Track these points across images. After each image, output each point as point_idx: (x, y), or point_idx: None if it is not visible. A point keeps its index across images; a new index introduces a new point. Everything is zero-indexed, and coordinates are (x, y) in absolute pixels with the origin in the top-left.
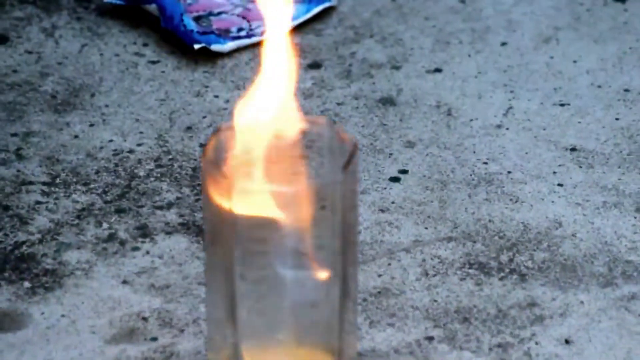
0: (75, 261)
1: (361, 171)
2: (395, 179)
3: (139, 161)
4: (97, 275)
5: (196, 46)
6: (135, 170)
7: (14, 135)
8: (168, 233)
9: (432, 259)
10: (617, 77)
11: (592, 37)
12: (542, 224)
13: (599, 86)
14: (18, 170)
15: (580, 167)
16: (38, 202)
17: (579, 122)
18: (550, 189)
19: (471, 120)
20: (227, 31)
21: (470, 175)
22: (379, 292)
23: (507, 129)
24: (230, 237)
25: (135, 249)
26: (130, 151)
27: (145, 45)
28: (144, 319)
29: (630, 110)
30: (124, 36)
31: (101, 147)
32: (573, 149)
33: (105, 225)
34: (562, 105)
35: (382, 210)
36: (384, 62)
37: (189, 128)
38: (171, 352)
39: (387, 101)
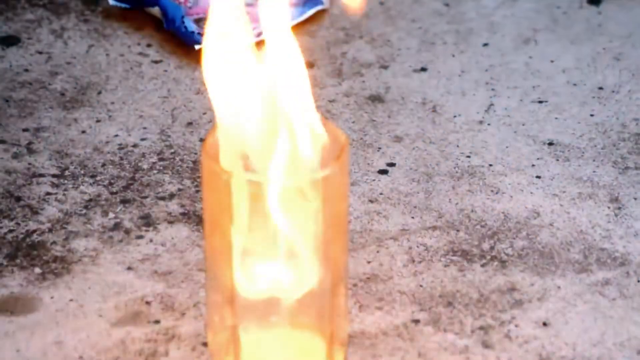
0: (82, 248)
1: (351, 164)
2: (383, 172)
3: (143, 155)
4: (103, 261)
5: (197, 47)
6: (139, 163)
7: (25, 130)
8: (170, 222)
9: (418, 246)
10: (592, 76)
11: (568, 38)
12: (522, 214)
13: (575, 84)
14: (29, 163)
15: (557, 160)
16: (48, 193)
17: (556, 118)
18: (529, 181)
19: (455, 116)
20: None
21: (454, 168)
22: (368, 278)
23: (489, 124)
24: (228, 226)
25: (139, 237)
26: (135, 145)
27: (148, 45)
28: (147, 303)
29: (604, 107)
30: (128, 37)
31: (107, 142)
32: (550, 143)
33: (111, 214)
34: (540, 102)
35: (371, 201)
36: (373, 61)
37: (189, 124)
38: (173, 334)
39: (376, 98)
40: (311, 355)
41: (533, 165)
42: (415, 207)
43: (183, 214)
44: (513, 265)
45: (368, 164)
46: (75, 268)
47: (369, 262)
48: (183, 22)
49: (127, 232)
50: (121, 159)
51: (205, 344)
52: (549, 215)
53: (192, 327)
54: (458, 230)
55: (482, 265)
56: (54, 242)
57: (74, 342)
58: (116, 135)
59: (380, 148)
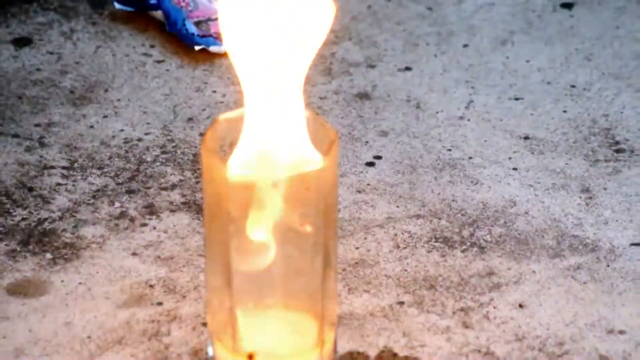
0: (90, 235)
1: (340, 157)
2: (370, 164)
3: (147, 148)
4: (110, 248)
5: (197, 47)
6: (143, 156)
7: (37, 125)
8: (172, 211)
9: (402, 233)
10: (565, 75)
11: (542, 39)
12: (499, 203)
13: (549, 82)
14: (41, 156)
15: (532, 153)
16: (58, 184)
17: (531, 114)
18: (506, 173)
19: (437, 112)
20: None
21: (436, 160)
22: (357, 263)
23: (469, 120)
24: (226, 214)
25: (144, 224)
26: (139, 139)
27: (152, 46)
28: (151, 286)
29: (576, 103)
30: (133, 39)
31: (113, 136)
32: (526, 138)
33: (117, 204)
34: (516, 99)
35: (359, 191)
36: (361, 61)
37: (190, 119)
38: (175, 315)
39: (363, 96)
40: (303, 335)
41: (510, 158)
42: (400, 197)
43: (184, 203)
44: (491, 251)
45: (356, 156)
46: (83, 254)
47: (357, 248)
48: (184, 25)
49: (132, 220)
50: (126, 152)
51: (204, 324)
52: (524, 205)
53: (192, 308)
54: (440, 219)
55: (463, 251)
56: (64, 230)
57: (83, 323)
58: (122, 130)
59: (367, 142)
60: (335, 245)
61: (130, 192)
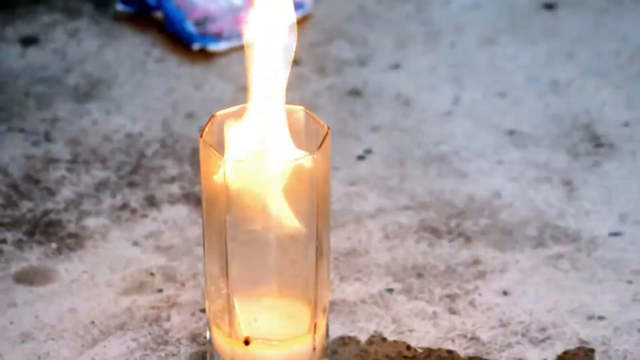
0: (94, 226)
1: (333, 151)
2: (361, 158)
3: (147, 143)
4: (112, 238)
5: (195, 46)
6: (144, 150)
7: (43, 121)
8: (172, 203)
9: (392, 224)
10: (547, 72)
11: (526, 39)
12: (485, 195)
13: (532, 80)
14: (46, 150)
15: (517, 147)
16: (63, 177)
17: (516, 110)
18: (491, 166)
19: (425, 108)
20: (221, 34)
21: (425, 154)
22: (348, 252)
23: (456, 116)
24: (223, 206)
25: (144, 216)
26: (140, 134)
27: (152, 45)
28: (152, 274)
29: (558, 99)
30: (135, 38)
31: (116, 131)
32: (510, 132)
33: (119, 196)
34: (501, 95)
35: (350, 184)
36: (353, 59)
37: (188, 115)
38: (174, 302)
39: (355, 92)
40: (297, 321)
41: (495, 152)
42: (390, 189)
43: (183, 195)
44: (477, 241)
45: (348, 151)
46: (87, 244)
47: (349, 238)
48: (183, 25)
49: (133, 211)
50: (128, 146)
51: (203, 311)
52: (509, 197)
53: (191, 295)
54: (428, 210)
55: (450, 241)
56: (69, 221)
57: (86, 310)
58: (123, 126)
59: (359, 137)
60: (328, 236)
61: (131, 184)
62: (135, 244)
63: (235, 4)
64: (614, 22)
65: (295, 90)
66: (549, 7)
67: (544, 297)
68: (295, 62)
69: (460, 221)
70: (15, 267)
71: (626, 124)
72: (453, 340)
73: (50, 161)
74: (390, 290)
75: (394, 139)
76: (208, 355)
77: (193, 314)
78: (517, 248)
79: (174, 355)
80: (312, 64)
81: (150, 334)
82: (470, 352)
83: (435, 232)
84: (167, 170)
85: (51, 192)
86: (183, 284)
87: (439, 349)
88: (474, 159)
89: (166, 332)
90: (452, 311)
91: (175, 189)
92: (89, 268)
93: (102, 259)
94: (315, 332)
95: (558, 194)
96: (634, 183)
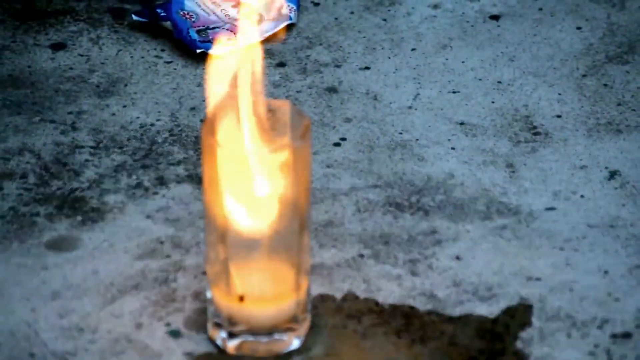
0: (113, 202)
1: (313, 138)
2: (337, 144)
3: (158, 132)
4: (128, 212)
5: (198, 51)
6: (155, 138)
7: (70, 113)
8: (178, 182)
9: (363, 200)
10: (493, 73)
11: (475, 44)
12: (440, 176)
13: (480, 79)
14: (73, 138)
15: (467, 136)
16: (87, 160)
17: (466, 105)
18: (446, 152)
19: (390, 103)
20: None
21: (390, 142)
22: (326, 224)
23: (416, 109)
24: (222, 184)
25: (155, 193)
26: (152, 125)
27: (162, 50)
28: (161, 242)
29: (502, 96)
30: (147, 44)
31: (131, 122)
32: (462, 123)
33: (134, 176)
34: (454, 92)
35: (328, 166)
36: (330, 62)
37: (192, 108)
38: (180, 266)
39: (332, 90)
40: (283, 282)
41: (449, 140)
42: (361, 171)
43: (188, 176)
44: (434, 214)
45: (326, 138)
46: (107, 216)
47: (326, 212)
48: (188, 33)
49: (146, 189)
50: (142, 135)
51: (204, 273)
52: (461, 177)
53: (194, 260)
54: (393, 188)
55: (411, 214)
56: (92, 197)
57: (106, 272)
58: (138, 117)
59: (334, 127)
60: (309, 210)
61: (144, 167)
62: (148, 216)
63: (232, 15)
64: (548, 31)
65: (281, 88)
66: (494, 17)
67: (490, 261)
68: (281, 64)
69: (420, 197)
70: (46, 236)
71: (559, 116)
72: (414, 298)
73: (76, 147)
74: (362, 256)
75: (364, 128)
76: (208, 310)
77: (196, 276)
78: (468, 220)
79: (180, 310)
80: (295, 65)
81: (160, 293)
82: (429, 307)
83: (399, 206)
84: (174, 155)
85: (77, 173)
86: (187, 251)
87: (403, 305)
88: (431, 146)
89: (173, 291)
90: (414, 273)
91: (181, 170)
92: (109, 237)
93: (120, 230)
94: (298, 291)
95: (502, 174)
96: (565, 166)
